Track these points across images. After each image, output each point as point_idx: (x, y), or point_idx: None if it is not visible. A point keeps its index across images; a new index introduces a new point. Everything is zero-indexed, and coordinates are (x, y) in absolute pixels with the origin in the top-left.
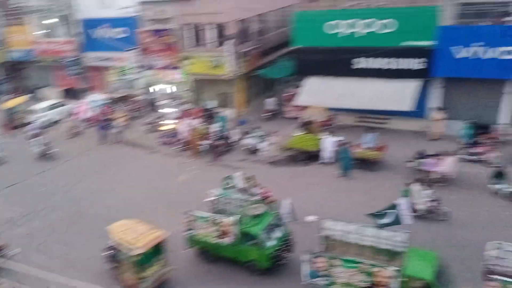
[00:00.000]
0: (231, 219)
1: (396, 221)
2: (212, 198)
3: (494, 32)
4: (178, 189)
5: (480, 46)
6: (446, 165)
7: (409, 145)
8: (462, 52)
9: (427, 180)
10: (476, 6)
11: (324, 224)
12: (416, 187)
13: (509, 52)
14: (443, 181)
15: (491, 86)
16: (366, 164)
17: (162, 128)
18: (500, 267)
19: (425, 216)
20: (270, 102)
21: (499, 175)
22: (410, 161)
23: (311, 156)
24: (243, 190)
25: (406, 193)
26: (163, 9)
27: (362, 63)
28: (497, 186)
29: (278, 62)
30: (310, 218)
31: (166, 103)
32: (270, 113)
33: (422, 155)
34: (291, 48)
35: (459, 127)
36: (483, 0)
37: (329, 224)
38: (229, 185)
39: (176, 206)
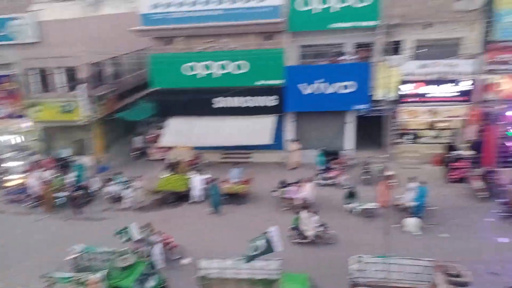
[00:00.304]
0: (98, 275)
1: (269, 249)
2: (74, 256)
3: (332, 70)
4: (33, 250)
5: (321, 82)
6: (306, 191)
7: (272, 175)
8: (308, 89)
9: (291, 206)
10: (315, 48)
11: (200, 264)
12: (304, 214)
13: (345, 87)
14: (305, 206)
15: (335, 117)
16: (235, 198)
17: (7, 184)
18: (362, 278)
19: (314, 241)
20: (138, 140)
21: (351, 195)
22: (275, 191)
23: (181, 197)
24: (141, 241)
25: (296, 221)
26: (1, 53)
27: (222, 102)
28: (350, 206)
29: (138, 104)
30: (185, 260)
31: (10, 156)
32: (139, 151)
33: (284, 184)
34: (150, 90)
35: (313, 155)
36: (319, 43)
37: (205, 263)
38: (124, 238)
39: (31, 269)
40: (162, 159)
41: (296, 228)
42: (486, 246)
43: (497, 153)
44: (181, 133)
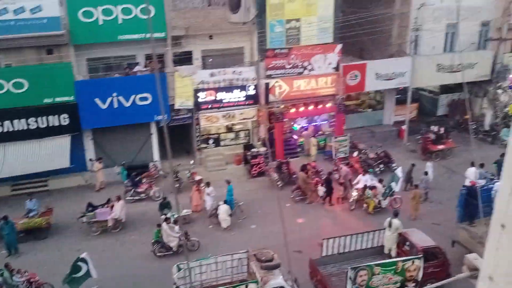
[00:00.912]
0: None
1: (87, 275)
2: None
3: (127, 82)
4: None
5: (117, 96)
6: (117, 210)
7: (78, 200)
8: (104, 104)
9: (104, 229)
10: (106, 61)
11: None
12: (165, 226)
13: (143, 99)
14: (118, 226)
15: (138, 130)
16: (36, 233)
17: None
18: (186, 284)
19: (178, 251)
20: None
21: (165, 206)
22: (82, 216)
23: None
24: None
25: (157, 234)
26: None
27: (3, 126)
28: (167, 216)
29: None
30: None
31: None
32: None
33: (92, 207)
34: None
35: (118, 172)
36: (109, 55)
37: None
38: None
39: None
40: None
41: (158, 241)
42: (288, 228)
43: (285, 146)
44: None
